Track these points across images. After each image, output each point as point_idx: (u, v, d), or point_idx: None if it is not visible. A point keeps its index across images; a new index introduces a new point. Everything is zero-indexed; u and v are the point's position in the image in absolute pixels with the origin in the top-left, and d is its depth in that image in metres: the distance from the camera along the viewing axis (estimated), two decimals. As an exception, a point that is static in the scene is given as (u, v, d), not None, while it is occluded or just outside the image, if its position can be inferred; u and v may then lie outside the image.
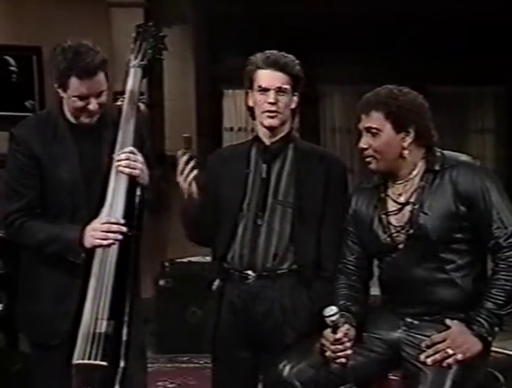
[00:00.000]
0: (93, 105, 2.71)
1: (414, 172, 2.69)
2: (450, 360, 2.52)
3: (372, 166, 2.70)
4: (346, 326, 2.64)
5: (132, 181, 2.68)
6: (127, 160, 2.67)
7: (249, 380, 2.96)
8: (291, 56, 2.91)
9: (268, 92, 2.85)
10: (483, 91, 8.06)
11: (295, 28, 6.64)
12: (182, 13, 6.48)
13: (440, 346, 2.55)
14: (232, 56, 6.95)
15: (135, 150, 2.70)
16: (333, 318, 2.59)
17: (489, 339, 2.55)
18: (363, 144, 2.69)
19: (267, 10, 6.53)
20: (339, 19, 6.69)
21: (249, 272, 2.87)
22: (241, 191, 2.90)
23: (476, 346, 2.53)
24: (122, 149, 2.69)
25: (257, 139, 2.96)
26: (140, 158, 2.70)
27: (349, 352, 2.62)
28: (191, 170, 2.73)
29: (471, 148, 7.94)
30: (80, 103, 2.72)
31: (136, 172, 2.69)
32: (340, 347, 2.61)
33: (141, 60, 2.80)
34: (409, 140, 2.66)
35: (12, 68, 6.20)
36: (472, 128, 8.16)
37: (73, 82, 2.68)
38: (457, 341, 2.54)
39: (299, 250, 2.87)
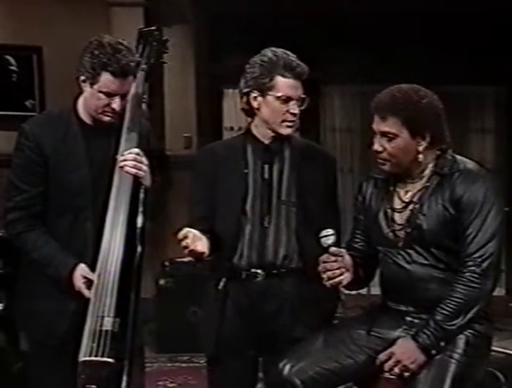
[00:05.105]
0: (117, 104, 2.72)
1: (424, 173, 2.69)
2: (403, 373, 2.58)
3: (386, 167, 2.68)
4: (343, 250, 2.66)
5: (136, 182, 2.69)
6: (134, 161, 2.67)
7: (250, 379, 2.96)
8: (296, 56, 2.88)
9: (290, 102, 2.82)
10: (483, 91, 8.06)
11: (295, 28, 6.64)
12: (182, 13, 6.48)
13: (386, 366, 2.61)
14: (233, 55, 6.95)
15: (141, 152, 2.70)
16: (329, 240, 2.62)
17: (433, 352, 2.58)
18: (377, 147, 2.65)
19: (267, 9, 6.53)
20: (340, 19, 6.69)
21: (258, 271, 2.87)
22: (242, 193, 2.88)
23: (419, 359, 2.58)
24: (126, 151, 2.69)
25: (252, 137, 2.93)
26: (145, 160, 2.71)
27: (345, 273, 2.63)
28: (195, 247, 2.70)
29: (471, 148, 7.96)
30: (105, 100, 2.72)
31: (142, 174, 2.69)
32: (334, 264, 2.62)
33: (145, 63, 2.80)
34: (424, 144, 2.63)
35: (12, 67, 6.20)
36: (472, 128, 8.17)
37: (106, 77, 2.69)
38: (400, 358, 2.58)
39: (305, 248, 2.87)
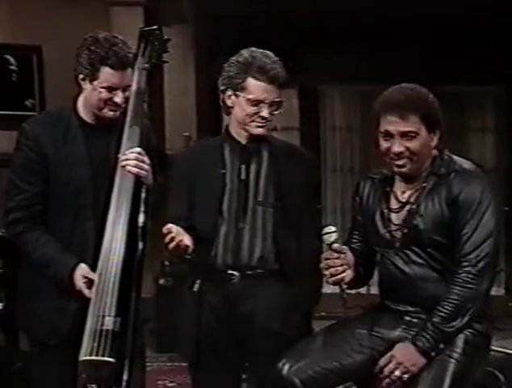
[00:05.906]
0: (119, 98, 2.74)
1: (422, 173, 2.68)
2: (402, 376, 2.58)
3: (405, 169, 2.64)
4: (345, 246, 2.68)
5: (138, 181, 2.69)
6: (135, 160, 2.67)
7: (232, 381, 2.94)
8: (276, 59, 2.84)
9: (261, 104, 2.80)
10: (483, 91, 8.07)
11: (295, 27, 6.65)
12: (182, 12, 6.48)
13: (387, 369, 2.60)
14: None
15: (143, 151, 2.70)
16: (331, 237, 2.63)
17: (433, 354, 2.58)
18: (399, 148, 2.60)
19: (267, 9, 6.53)
20: (340, 19, 6.69)
21: (234, 272, 2.86)
22: (218, 194, 2.86)
23: (419, 362, 2.57)
24: (128, 150, 2.68)
25: (229, 137, 2.92)
26: (146, 159, 2.70)
27: (347, 270, 2.64)
28: (180, 241, 2.71)
29: (471, 147, 7.96)
30: (106, 95, 2.73)
31: (143, 173, 2.69)
32: (337, 261, 2.62)
33: (146, 62, 2.80)
34: (436, 140, 2.64)
35: (12, 67, 6.20)
36: (472, 127, 8.17)
37: (106, 72, 2.71)
38: (401, 360, 2.58)
39: (282, 250, 2.86)
